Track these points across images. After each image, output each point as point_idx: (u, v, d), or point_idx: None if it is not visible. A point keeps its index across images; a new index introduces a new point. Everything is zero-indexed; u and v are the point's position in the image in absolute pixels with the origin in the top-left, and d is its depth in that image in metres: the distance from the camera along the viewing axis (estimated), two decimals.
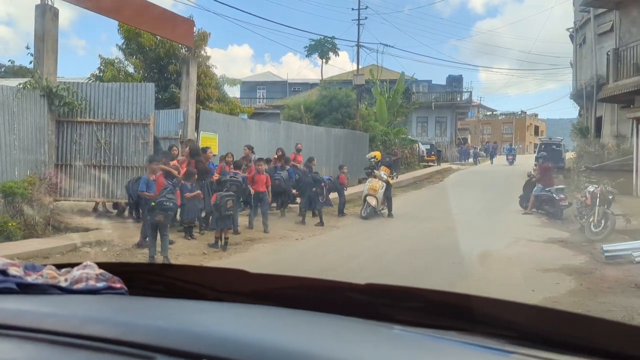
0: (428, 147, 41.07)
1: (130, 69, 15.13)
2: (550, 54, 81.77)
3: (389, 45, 38.12)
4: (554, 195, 13.57)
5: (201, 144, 13.59)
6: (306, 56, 35.02)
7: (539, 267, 7.72)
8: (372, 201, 13.67)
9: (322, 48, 37.32)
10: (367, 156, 14.79)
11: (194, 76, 13.49)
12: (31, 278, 1.10)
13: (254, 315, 1.02)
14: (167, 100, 14.27)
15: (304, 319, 1.01)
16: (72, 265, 1.18)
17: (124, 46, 14.73)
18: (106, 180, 10.20)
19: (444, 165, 35.78)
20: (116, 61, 14.48)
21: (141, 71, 15.07)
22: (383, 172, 14.04)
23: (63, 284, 1.11)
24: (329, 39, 36.44)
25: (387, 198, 14.15)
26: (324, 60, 37.04)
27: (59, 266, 1.20)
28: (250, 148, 12.97)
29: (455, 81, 47.29)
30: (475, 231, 11.74)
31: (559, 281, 6.82)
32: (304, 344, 0.82)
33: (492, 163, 39.14)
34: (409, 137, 32.46)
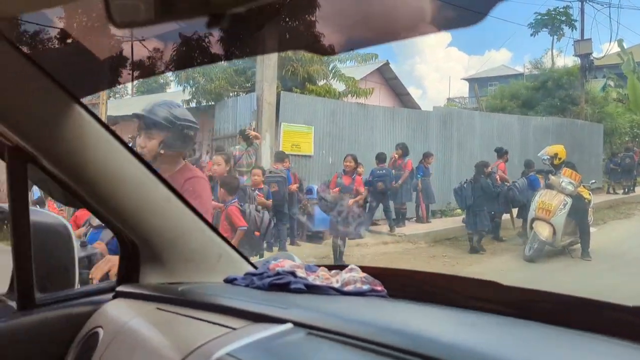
0: None
1: None
2: None
3: None
4: None
5: (283, 140, 9.66)
6: (531, 35, 27.85)
7: None
8: (544, 231, 7.71)
9: (553, 22, 29.36)
10: (539, 154, 8.86)
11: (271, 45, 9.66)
12: (311, 278, 1.18)
13: (504, 327, 0.98)
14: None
15: (562, 336, 0.93)
16: (340, 268, 1.24)
17: None
18: None
19: None
20: None
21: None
22: (566, 178, 7.91)
23: (335, 285, 1.16)
24: (560, 10, 28.43)
25: (580, 225, 7.98)
26: (556, 38, 29.16)
27: (329, 267, 1.27)
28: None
29: None
30: None
31: None
32: None
33: None
34: None
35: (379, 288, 1.17)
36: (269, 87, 9.62)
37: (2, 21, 0.97)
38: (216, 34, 10.92)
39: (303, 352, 0.82)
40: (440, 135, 12.11)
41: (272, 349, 0.83)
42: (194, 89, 11.21)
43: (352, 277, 1.17)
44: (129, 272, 1.29)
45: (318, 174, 9.81)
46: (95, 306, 1.24)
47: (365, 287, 1.15)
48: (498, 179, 9.69)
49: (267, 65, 9.63)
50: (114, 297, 1.26)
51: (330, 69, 11.96)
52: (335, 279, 1.19)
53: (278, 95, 9.61)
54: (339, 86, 12.04)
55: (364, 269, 1.23)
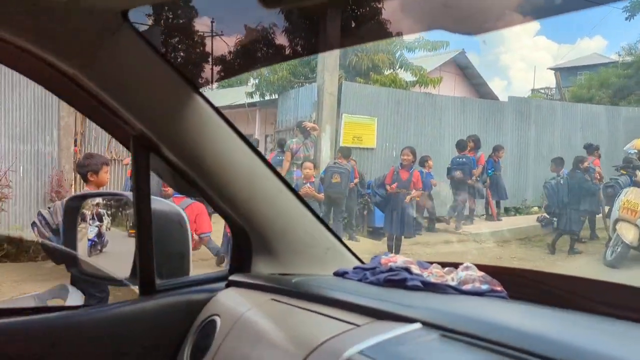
0: None
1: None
2: None
3: None
4: None
5: (344, 132, 9.41)
6: (626, 19, 25.71)
7: None
8: (628, 233, 6.92)
9: None
10: (625, 148, 8.00)
11: (334, 32, 9.38)
12: (425, 275, 1.14)
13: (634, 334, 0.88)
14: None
15: None
16: (454, 265, 1.20)
17: None
18: None
19: None
20: None
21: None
22: None
23: (451, 283, 1.12)
24: None
25: None
26: None
27: (442, 264, 1.22)
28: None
29: None
30: None
31: None
32: None
33: None
34: None
35: (499, 288, 1.11)
36: (330, 76, 9.34)
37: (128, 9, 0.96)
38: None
39: (439, 355, 0.78)
40: (515, 128, 11.29)
41: (405, 350, 0.79)
42: (257, 82, 11.17)
43: (470, 275, 1.13)
44: (241, 262, 1.33)
45: (380, 168, 9.43)
46: (210, 294, 1.27)
47: (485, 286, 1.10)
48: (598, 177, 8.82)
49: (329, 54, 9.36)
50: (227, 286, 1.29)
51: (397, 57, 11.46)
52: (451, 277, 1.15)
53: (340, 85, 9.31)
54: (406, 76, 11.51)
55: (479, 267, 1.19)
